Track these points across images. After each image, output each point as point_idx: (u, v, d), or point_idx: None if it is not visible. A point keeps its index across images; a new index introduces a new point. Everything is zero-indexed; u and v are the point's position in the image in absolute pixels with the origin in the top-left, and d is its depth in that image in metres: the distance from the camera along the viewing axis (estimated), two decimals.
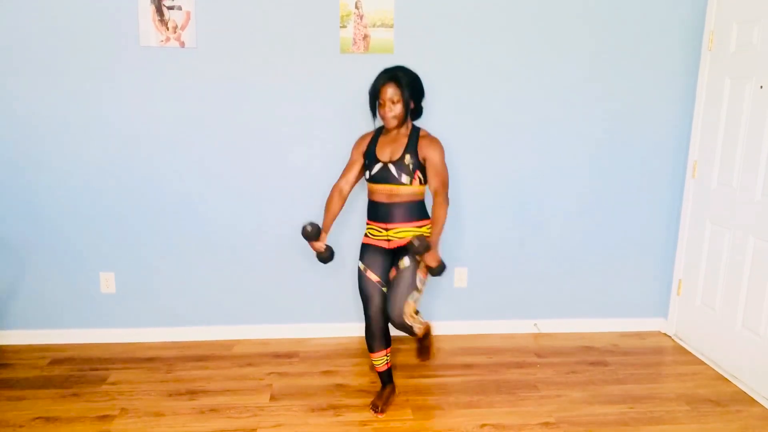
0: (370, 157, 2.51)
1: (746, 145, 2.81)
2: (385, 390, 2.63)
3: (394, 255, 2.51)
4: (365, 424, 2.48)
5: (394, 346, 2.97)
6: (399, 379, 2.82)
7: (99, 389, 2.73)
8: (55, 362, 2.99)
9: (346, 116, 3.00)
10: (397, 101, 2.40)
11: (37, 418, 2.49)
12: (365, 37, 3.00)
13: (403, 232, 2.48)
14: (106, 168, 3.05)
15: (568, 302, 3.42)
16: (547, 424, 2.49)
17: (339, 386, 2.79)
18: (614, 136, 3.23)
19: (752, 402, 2.70)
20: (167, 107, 3.01)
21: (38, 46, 2.90)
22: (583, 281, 3.40)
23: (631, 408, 2.62)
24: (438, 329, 3.36)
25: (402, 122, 2.45)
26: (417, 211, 2.50)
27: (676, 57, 3.16)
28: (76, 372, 2.89)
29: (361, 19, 2.98)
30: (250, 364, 3.00)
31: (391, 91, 2.39)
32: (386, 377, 2.65)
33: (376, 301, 2.52)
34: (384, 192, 2.46)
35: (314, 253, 2.60)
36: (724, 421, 2.53)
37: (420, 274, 2.45)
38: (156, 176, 3.08)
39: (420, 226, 2.49)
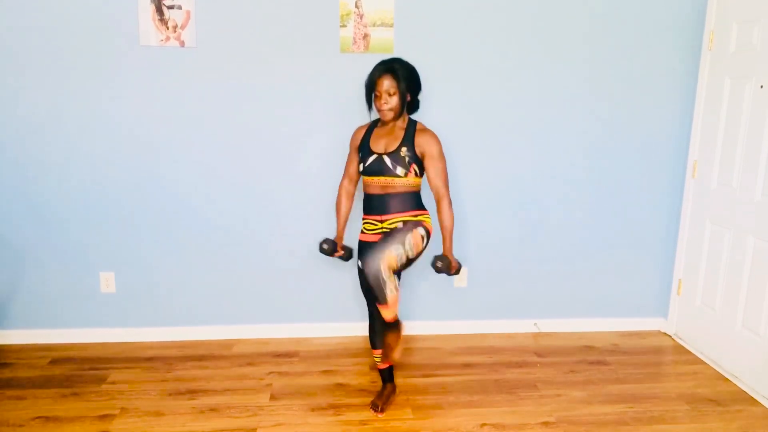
0: (363, 149, 2.49)
1: (746, 145, 2.81)
2: (385, 389, 2.63)
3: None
4: (365, 424, 2.48)
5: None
6: (399, 379, 2.82)
7: (99, 389, 2.73)
8: (55, 362, 2.99)
9: (346, 115, 3.00)
10: (394, 93, 2.38)
11: (37, 417, 2.49)
12: (365, 36, 3.00)
13: (396, 222, 2.46)
14: (106, 167, 3.05)
15: (568, 302, 3.42)
16: (547, 423, 2.49)
17: (339, 386, 2.79)
18: (614, 135, 3.23)
19: (752, 402, 2.70)
20: (167, 107, 3.01)
21: (38, 46, 2.90)
22: (583, 281, 3.40)
23: (631, 408, 2.62)
24: (438, 329, 3.37)
25: (398, 115, 2.43)
26: (412, 201, 2.47)
27: (676, 57, 3.16)
28: (76, 372, 2.89)
29: (361, 18, 2.98)
30: (250, 364, 3.00)
31: (387, 83, 2.37)
32: (387, 375, 2.65)
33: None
34: (378, 184, 2.45)
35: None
36: (724, 421, 2.53)
37: (411, 238, 2.37)
38: (155, 176, 3.08)
39: (415, 216, 2.46)
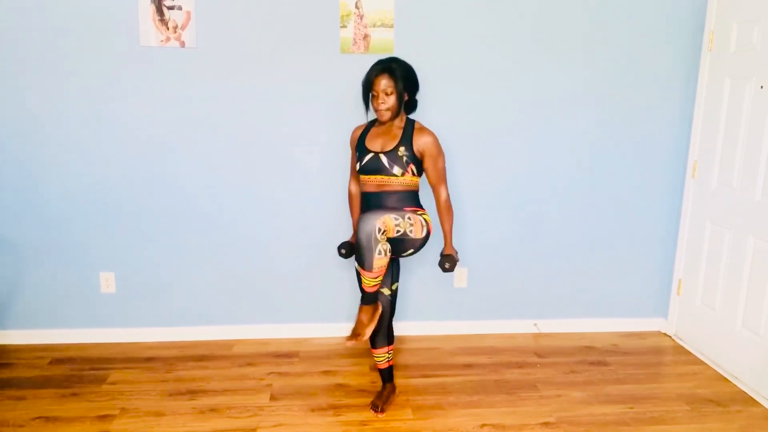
0: (360, 148, 2.49)
1: (746, 145, 2.81)
2: (385, 390, 2.63)
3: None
4: (365, 424, 2.48)
5: (395, 345, 2.97)
6: (399, 379, 2.82)
7: (99, 389, 2.73)
8: (56, 362, 2.99)
9: (346, 116, 3.00)
10: (391, 93, 2.38)
11: (37, 417, 2.49)
12: (365, 37, 3.00)
13: None
14: (106, 168, 3.05)
15: (568, 302, 3.42)
16: (547, 424, 2.49)
17: (339, 386, 2.79)
18: (614, 135, 3.23)
19: (752, 402, 2.70)
20: (167, 107, 3.01)
21: (38, 46, 2.90)
22: (583, 281, 3.40)
23: (631, 408, 2.62)
24: (438, 329, 3.37)
25: (396, 114, 2.43)
26: (409, 199, 2.47)
27: (676, 57, 3.16)
28: (76, 372, 2.89)
29: (361, 19, 2.98)
30: (250, 364, 3.00)
31: (384, 83, 2.37)
32: (387, 376, 2.65)
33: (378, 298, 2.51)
34: (374, 182, 2.45)
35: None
36: (724, 421, 2.53)
37: (411, 216, 2.36)
38: (155, 176, 3.08)
39: (413, 212, 2.45)
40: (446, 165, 2.57)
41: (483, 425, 2.48)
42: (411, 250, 2.44)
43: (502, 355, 3.14)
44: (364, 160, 2.45)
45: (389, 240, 2.31)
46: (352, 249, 2.59)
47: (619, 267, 3.40)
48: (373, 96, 2.42)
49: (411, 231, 2.35)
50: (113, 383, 2.79)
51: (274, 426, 2.46)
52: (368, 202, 2.50)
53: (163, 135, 3.04)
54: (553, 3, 3.05)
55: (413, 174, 2.45)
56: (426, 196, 2.61)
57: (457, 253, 2.57)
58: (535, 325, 3.43)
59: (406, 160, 2.41)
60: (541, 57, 3.11)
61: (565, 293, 3.41)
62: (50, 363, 2.98)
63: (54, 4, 2.86)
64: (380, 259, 2.24)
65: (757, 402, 2.69)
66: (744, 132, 2.83)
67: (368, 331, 2.37)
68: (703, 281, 3.15)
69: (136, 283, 3.19)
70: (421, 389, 2.77)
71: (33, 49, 2.90)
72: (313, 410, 2.58)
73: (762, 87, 2.70)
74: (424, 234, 2.42)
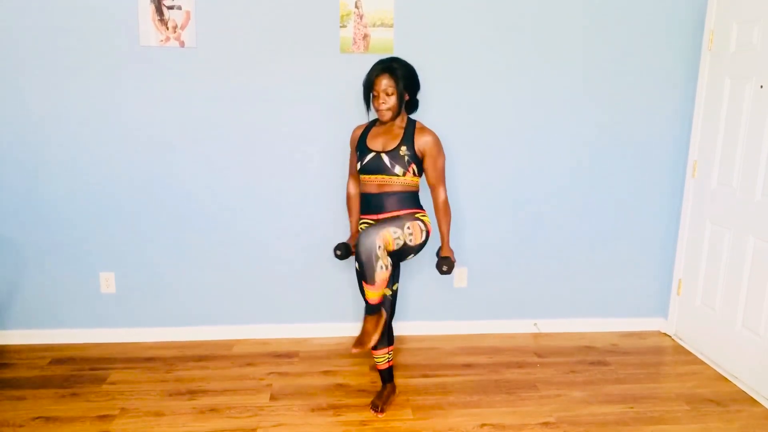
0: (361, 148, 2.49)
1: (746, 145, 2.81)
2: (385, 390, 2.63)
3: None
4: (365, 424, 2.48)
5: (395, 346, 2.96)
6: (399, 379, 2.82)
7: (99, 389, 2.73)
8: (56, 362, 2.99)
9: (346, 116, 3.00)
10: (392, 93, 2.38)
11: (37, 417, 2.49)
12: (365, 36, 3.00)
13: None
14: (105, 168, 3.05)
15: (568, 302, 3.42)
16: (547, 424, 2.49)
17: (339, 386, 2.79)
18: (614, 135, 3.23)
19: (752, 402, 2.70)
20: (167, 107, 3.01)
21: (38, 46, 2.90)
22: (583, 281, 3.40)
23: (631, 408, 2.62)
24: (438, 329, 3.37)
25: (396, 114, 2.43)
26: (409, 200, 2.48)
27: (676, 57, 3.16)
28: (76, 372, 2.89)
29: (361, 18, 2.98)
30: (250, 364, 3.00)
31: (385, 83, 2.37)
32: (387, 376, 2.65)
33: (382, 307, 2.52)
34: (375, 182, 2.45)
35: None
36: (724, 421, 2.53)
37: (409, 226, 2.38)
38: (155, 176, 3.08)
39: (413, 214, 2.47)
40: (446, 165, 2.58)
41: (483, 425, 2.48)
42: (411, 255, 2.46)
43: (502, 355, 3.14)
44: (365, 159, 2.45)
45: (389, 252, 2.33)
46: (348, 250, 2.59)
47: (619, 267, 3.40)
48: (374, 96, 2.42)
49: (410, 240, 2.37)
50: (113, 383, 2.79)
51: (274, 426, 2.46)
52: (369, 203, 2.50)
53: (163, 135, 3.04)
54: (552, 3, 3.05)
55: (414, 174, 2.45)
56: (425, 198, 2.61)
57: (453, 254, 2.55)
58: (535, 324, 3.43)
59: (408, 160, 2.41)
60: (541, 57, 3.11)
61: (565, 293, 3.41)
62: (50, 363, 2.98)
63: (54, 4, 2.86)
64: (382, 273, 2.27)
65: (757, 402, 2.69)
66: (744, 132, 2.83)
67: (374, 339, 2.38)
68: (703, 281, 3.15)
69: (136, 283, 3.19)
70: (421, 389, 2.77)
71: (33, 48, 2.90)
72: (313, 410, 2.58)
73: (762, 87, 2.70)
74: (423, 239, 2.43)
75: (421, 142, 2.43)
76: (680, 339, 3.33)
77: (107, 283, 3.17)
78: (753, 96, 2.77)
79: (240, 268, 3.22)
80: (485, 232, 3.29)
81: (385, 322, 2.49)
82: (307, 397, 2.68)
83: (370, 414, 2.55)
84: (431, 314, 3.36)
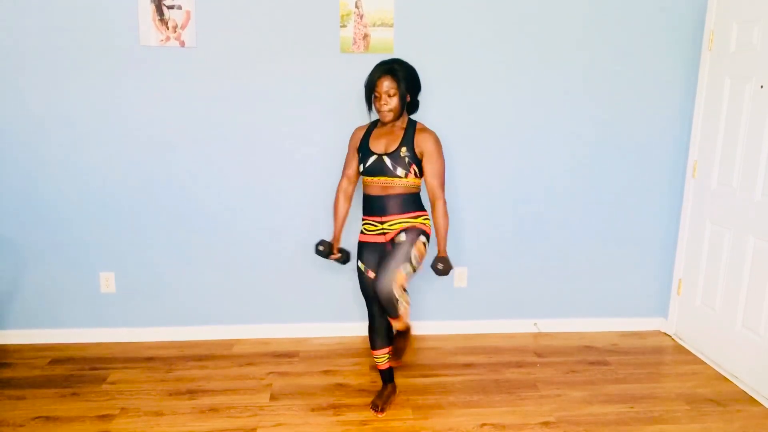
0: (363, 150, 2.49)
1: (746, 145, 2.81)
2: (385, 389, 2.63)
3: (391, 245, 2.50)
4: (365, 424, 2.48)
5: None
6: (399, 379, 2.82)
7: (99, 389, 2.73)
8: (56, 362, 2.99)
9: (346, 116, 3.00)
10: (393, 94, 2.38)
11: (37, 417, 2.49)
12: (365, 36, 3.00)
13: (397, 224, 2.47)
14: (105, 167, 3.05)
15: (568, 302, 3.42)
16: (547, 423, 2.49)
17: (339, 386, 2.79)
18: (614, 135, 3.23)
19: (752, 401, 2.70)
20: (167, 107, 3.01)
21: (38, 46, 2.90)
22: (583, 281, 3.40)
23: (631, 408, 2.62)
24: (438, 329, 3.37)
25: (398, 116, 2.43)
26: (412, 203, 2.48)
27: (675, 57, 3.16)
28: (76, 372, 2.89)
29: (361, 18, 2.98)
30: (250, 364, 3.00)
31: (387, 84, 2.37)
32: (387, 376, 2.65)
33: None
34: (378, 184, 2.45)
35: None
36: (724, 421, 2.53)
37: (415, 251, 2.42)
38: (155, 176, 3.08)
39: (415, 217, 2.48)
40: (446, 165, 2.57)
41: (483, 425, 2.48)
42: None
43: (502, 354, 3.14)
44: (368, 162, 2.45)
45: (394, 245, 2.45)
46: (331, 247, 2.65)
47: (619, 267, 3.40)
48: (375, 97, 2.42)
49: (418, 263, 2.46)
50: (113, 383, 2.79)
51: (274, 426, 2.46)
52: (372, 205, 2.50)
53: (163, 134, 3.04)
54: (552, 3, 3.05)
55: (416, 175, 2.45)
56: (425, 198, 2.61)
57: (449, 261, 2.49)
58: (535, 324, 3.43)
59: (408, 161, 2.41)
60: (541, 57, 3.11)
61: (565, 293, 3.41)
62: (50, 363, 2.98)
63: (54, 4, 2.86)
64: (404, 308, 2.44)
65: (757, 401, 2.69)
66: (744, 132, 2.83)
67: (406, 351, 2.74)
68: (703, 281, 3.15)
69: (136, 283, 3.19)
70: (421, 389, 2.77)
71: (33, 48, 2.90)
72: (313, 410, 2.58)
73: (762, 87, 2.70)
74: (426, 249, 2.50)
75: (421, 141, 2.43)
76: (680, 339, 3.33)
77: (107, 283, 3.17)
78: (753, 96, 2.77)
79: (240, 268, 3.22)
80: (485, 231, 3.29)
81: (383, 317, 2.54)
82: (307, 397, 2.68)
83: (370, 414, 2.55)
84: (431, 314, 3.36)
